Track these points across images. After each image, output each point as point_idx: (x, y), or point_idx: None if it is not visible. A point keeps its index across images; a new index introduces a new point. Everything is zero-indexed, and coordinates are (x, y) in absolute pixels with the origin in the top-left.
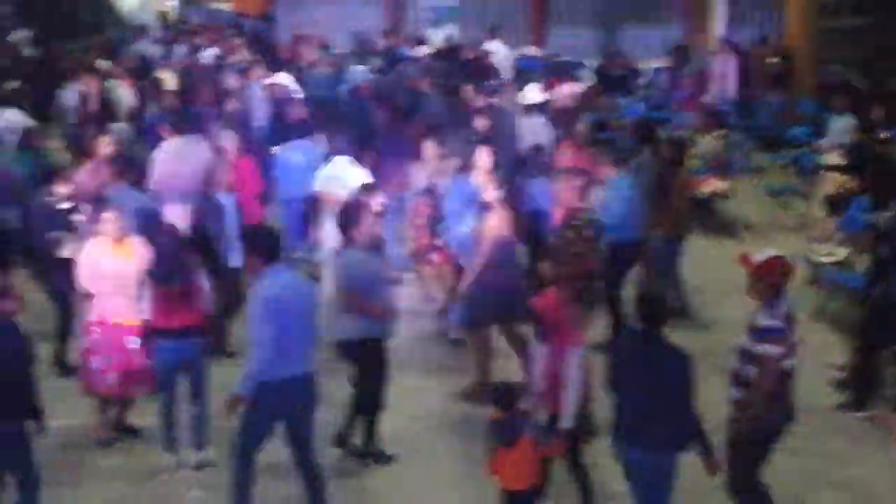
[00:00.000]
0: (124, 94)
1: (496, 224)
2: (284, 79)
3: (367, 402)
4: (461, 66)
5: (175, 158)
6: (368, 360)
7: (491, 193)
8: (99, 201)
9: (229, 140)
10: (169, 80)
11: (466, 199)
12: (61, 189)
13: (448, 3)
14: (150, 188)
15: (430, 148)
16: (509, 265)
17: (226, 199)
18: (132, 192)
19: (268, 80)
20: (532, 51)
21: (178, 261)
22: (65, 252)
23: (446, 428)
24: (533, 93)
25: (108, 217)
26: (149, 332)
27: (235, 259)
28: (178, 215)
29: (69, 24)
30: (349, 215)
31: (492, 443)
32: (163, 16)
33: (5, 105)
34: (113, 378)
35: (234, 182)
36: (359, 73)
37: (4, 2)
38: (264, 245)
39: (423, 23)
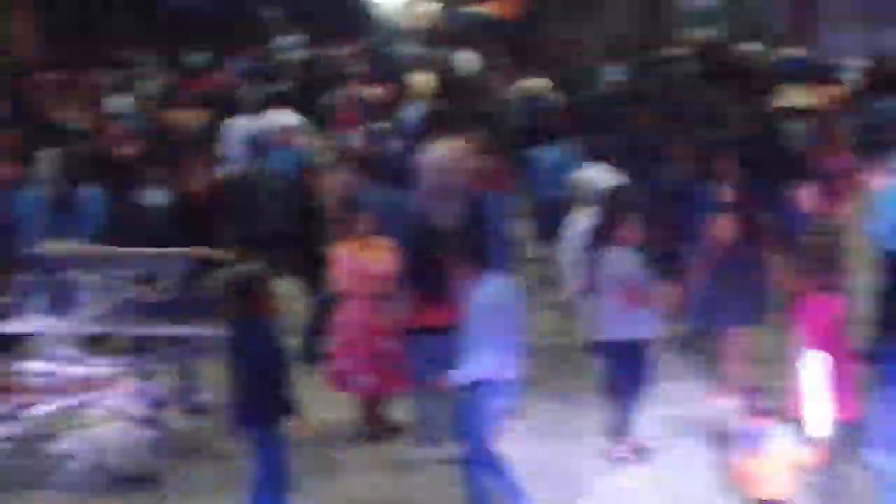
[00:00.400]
0: (380, 96)
1: (725, 227)
2: (540, 81)
3: (624, 403)
4: (720, 67)
5: (436, 159)
6: (631, 361)
7: (725, 194)
8: (353, 202)
9: (483, 140)
10: (427, 82)
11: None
12: (321, 189)
13: (707, 4)
14: (413, 189)
15: (681, 149)
16: (737, 270)
17: (493, 199)
18: (387, 192)
19: (523, 83)
20: (796, 51)
21: (433, 260)
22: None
23: (693, 432)
24: (795, 95)
25: (363, 218)
26: (405, 331)
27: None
28: (443, 216)
29: (333, 27)
30: (608, 217)
31: (737, 449)
32: (421, 19)
33: (276, 107)
34: (365, 377)
35: (488, 183)
36: (615, 74)
37: (275, 6)
38: (478, 250)
39: (681, 24)
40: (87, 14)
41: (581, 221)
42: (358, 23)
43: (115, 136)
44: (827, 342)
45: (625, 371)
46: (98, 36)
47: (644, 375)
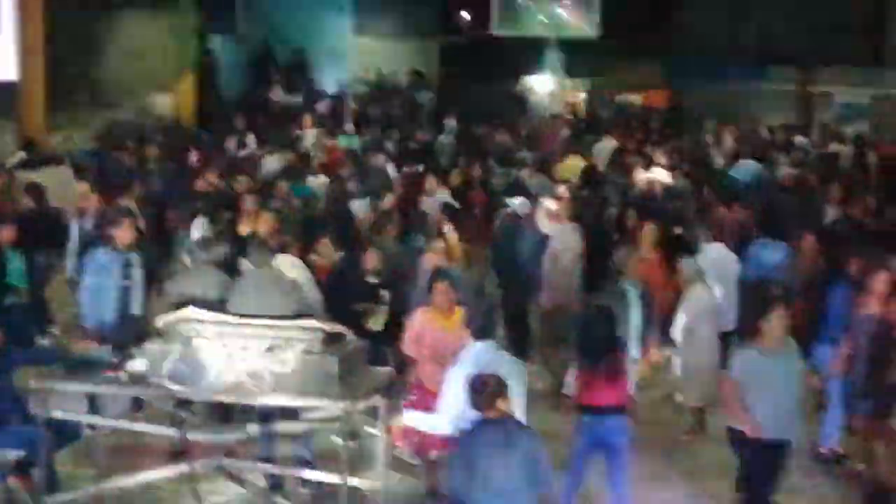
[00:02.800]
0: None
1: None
2: (661, 173)
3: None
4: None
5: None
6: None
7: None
8: (434, 273)
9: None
10: (576, 168)
11: None
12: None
13: (862, 101)
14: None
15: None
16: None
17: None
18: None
19: (646, 174)
20: None
21: (605, 340)
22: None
23: None
24: None
25: (441, 289)
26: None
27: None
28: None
29: (487, 114)
30: (759, 304)
31: None
32: (571, 108)
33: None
34: (416, 438)
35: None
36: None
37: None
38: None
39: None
40: None
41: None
42: (512, 109)
43: None
44: None
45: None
46: None
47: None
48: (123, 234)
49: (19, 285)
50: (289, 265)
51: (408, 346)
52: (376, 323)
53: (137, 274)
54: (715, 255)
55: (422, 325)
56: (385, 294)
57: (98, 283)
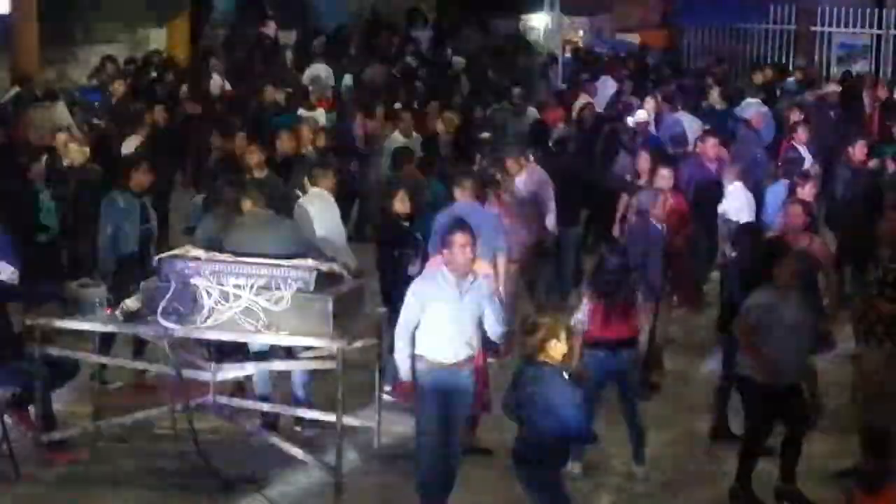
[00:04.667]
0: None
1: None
2: (643, 115)
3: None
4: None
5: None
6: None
7: None
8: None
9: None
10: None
11: None
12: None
13: (861, 41)
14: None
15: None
16: None
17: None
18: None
19: (639, 114)
20: None
21: (622, 276)
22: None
23: None
24: None
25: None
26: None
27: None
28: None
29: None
30: (774, 252)
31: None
32: (571, 46)
33: None
34: None
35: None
36: (752, 106)
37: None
38: None
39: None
40: None
41: None
42: (509, 44)
43: None
44: None
45: None
46: None
47: None
48: (142, 177)
49: (51, 225)
50: (322, 199)
51: None
52: (415, 267)
53: (154, 217)
54: (732, 195)
55: None
56: (419, 236)
57: (118, 228)
